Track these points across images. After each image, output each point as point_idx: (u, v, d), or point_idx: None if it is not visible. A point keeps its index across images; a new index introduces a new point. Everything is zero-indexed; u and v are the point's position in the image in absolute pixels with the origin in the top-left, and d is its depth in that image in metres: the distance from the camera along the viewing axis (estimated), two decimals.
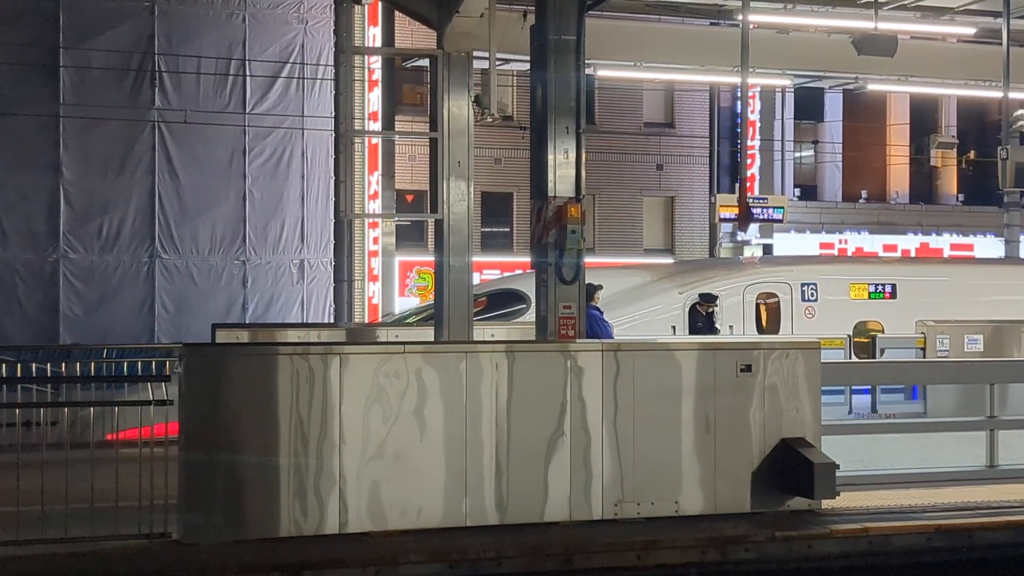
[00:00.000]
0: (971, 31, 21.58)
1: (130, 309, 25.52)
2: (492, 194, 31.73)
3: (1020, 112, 21.50)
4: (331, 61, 26.54)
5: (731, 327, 19.36)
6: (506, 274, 26.17)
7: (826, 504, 10.02)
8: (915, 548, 9.70)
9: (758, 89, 32.70)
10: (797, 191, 36.99)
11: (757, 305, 19.90)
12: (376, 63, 27.56)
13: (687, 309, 19.10)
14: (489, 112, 13.88)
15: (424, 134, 15.08)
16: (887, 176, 38.64)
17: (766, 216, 30.67)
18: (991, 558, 9.95)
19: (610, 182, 33.42)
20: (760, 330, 19.81)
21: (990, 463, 11.56)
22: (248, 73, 26.24)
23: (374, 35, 27.97)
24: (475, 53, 13.70)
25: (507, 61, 19.90)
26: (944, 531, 9.78)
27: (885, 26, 20.08)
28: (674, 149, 34.84)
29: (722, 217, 30.57)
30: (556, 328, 11.21)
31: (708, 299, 18.84)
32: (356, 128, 25.90)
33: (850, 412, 15.90)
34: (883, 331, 19.86)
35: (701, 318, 18.78)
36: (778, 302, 19.92)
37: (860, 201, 37.94)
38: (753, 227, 32.86)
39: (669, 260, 32.04)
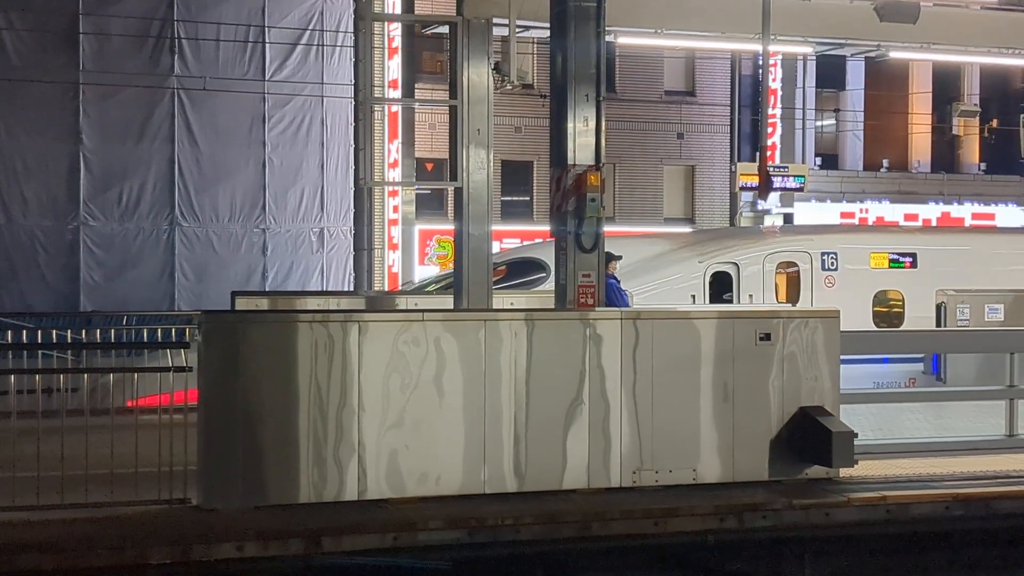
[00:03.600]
0: None
1: (150, 276, 25.59)
2: (512, 162, 31.65)
3: None
4: (350, 28, 26.48)
5: (751, 296, 19.32)
6: (526, 243, 26.11)
7: (844, 472, 10.04)
8: (933, 517, 9.71)
9: (779, 57, 32.47)
10: (818, 160, 36.80)
11: (777, 274, 19.85)
12: (396, 30, 27.46)
13: (707, 278, 19.09)
14: (509, 80, 13.81)
15: (443, 102, 15.00)
16: (909, 145, 38.40)
17: (787, 185, 30.57)
18: (1009, 527, 9.95)
19: (630, 151, 33.31)
20: (779, 299, 19.76)
21: (1009, 432, 11.54)
22: (267, 40, 26.18)
23: (393, 2, 27.87)
24: (495, 20, 13.61)
25: (527, 28, 19.69)
26: (962, 500, 9.78)
27: None
28: (695, 118, 34.68)
29: (742, 186, 30.47)
30: (575, 297, 11.19)
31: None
32: (375, 96, 25.85)
33: None
34: (903, 301, 19.78)
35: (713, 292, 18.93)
36: (798, 271, 19.86)
37: (881, 170, 37.73)
38: (773, 196, 32.74)
39: (689, 229, 31.95)
